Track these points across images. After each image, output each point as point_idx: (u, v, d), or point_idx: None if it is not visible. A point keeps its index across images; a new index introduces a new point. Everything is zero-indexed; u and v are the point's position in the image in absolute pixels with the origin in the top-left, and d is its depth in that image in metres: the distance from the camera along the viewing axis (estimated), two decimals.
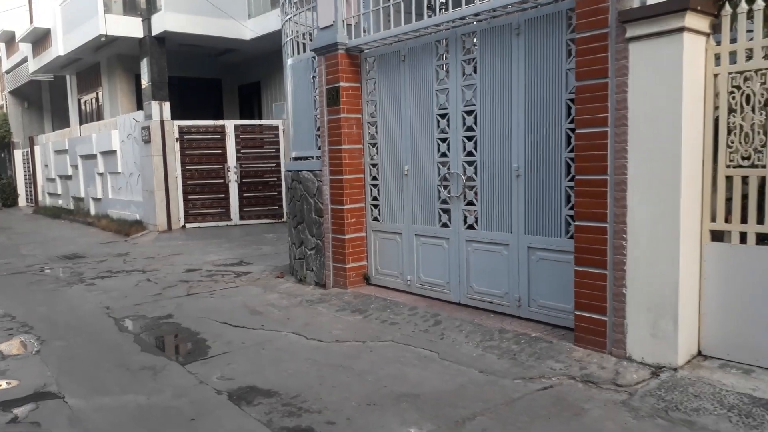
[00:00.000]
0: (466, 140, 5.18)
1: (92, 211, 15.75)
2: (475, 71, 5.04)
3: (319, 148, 6.68)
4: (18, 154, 22.64)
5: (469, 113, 5.13)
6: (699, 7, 3.39)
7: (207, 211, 12.53)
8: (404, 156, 5.84)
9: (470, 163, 5.16)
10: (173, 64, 13.94)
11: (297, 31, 7.21)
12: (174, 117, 12.84)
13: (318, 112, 6.63)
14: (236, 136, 12.59)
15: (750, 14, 3.40)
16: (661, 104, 3.50)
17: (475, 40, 5.02)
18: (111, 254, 9.93)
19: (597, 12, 3.81)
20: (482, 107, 4.99)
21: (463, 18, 4.94)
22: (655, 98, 3.53)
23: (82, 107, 18.42)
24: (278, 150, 12.88)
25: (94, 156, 15.21)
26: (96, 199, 15.61)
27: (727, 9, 3.47)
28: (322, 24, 6.29)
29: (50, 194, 19.56)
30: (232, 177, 12.59)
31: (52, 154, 18.62)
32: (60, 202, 18.61)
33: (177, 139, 12.24)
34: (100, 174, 15.11)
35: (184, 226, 12.38)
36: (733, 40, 3.49)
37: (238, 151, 12.61)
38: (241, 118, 16.97)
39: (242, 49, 15.00)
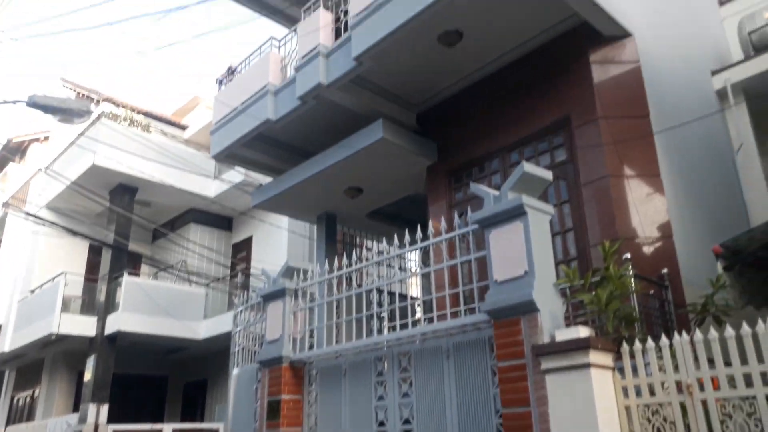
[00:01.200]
0: None
1: None
2: (411, 387, 5.22)
3: None
4: None
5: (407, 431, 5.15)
6: (600, 346, 3.81)
7: None
8: None
9: None
10: (120, 361, 13.82)
11: (243, 344, 7.49)
12: (112, 418, 12.23)
13: (257, 424, 6.51)
14: None
15: (645, 352, 3.82)
16: None
17: (410, 359, 5.31)
18: None
19: (513, 344, 4.20)
20: (419, 426, 5.04)
21: (398, 339, 5.31)
22: (575, 429, 3.70)
23: (14, 404, 17.40)
24: None
25: None
26: None
27: (625, 347, 3.90)
28: (269, 338, 6.59)
29: None
30: None
31: None
32: None
33: None
34: None
35: None
36: (638, 374, 3.84)
37: None
38: (183, 417, 16.23)
39: (193, 348, 15.13)
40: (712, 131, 7.73)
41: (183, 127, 18.98)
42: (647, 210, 6.08)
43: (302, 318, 6.57)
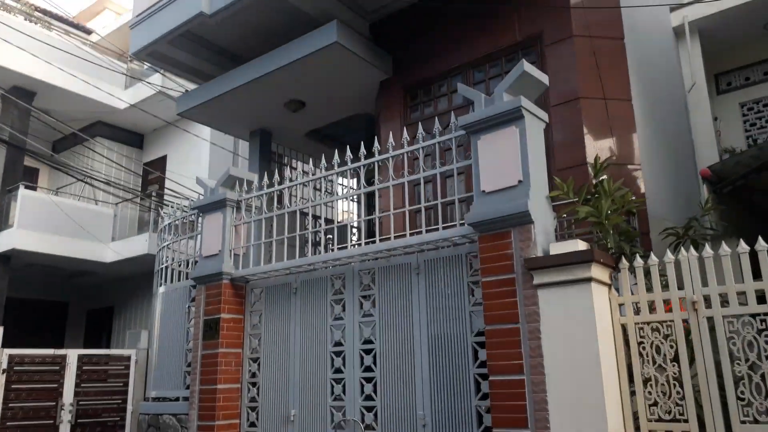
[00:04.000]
0: (364, 382, 4.75)
1: None
2: (374, 306, 4.84)
3: (188, 387, 5.85)
4: None
5: (367, 352, 4.79)
6: (601, 260, 3.56)
7: None
8: (291, 398, 5.21)
9: (369, 409, 4.67)
10: (15, 283, 12.53)
11: (173, 259, 6.78)
12: (7, 343, 11.08)
13: (191, 345, 5.95)
14: (78, 368, 10.97)
15: (646, 268, 3.61)
16: (578, 353, 3.43)
17: (373, 276, 4.90)
18: None
19: (502, 258, 3.88)
20: (382, 346, 4.69)
21: (363, 255, 4.87)
22: (571, 347, 3.46)
23: None
24: (126, 384, 11.31)
25: None
26: None
27: (624, 262, 3.68)
28: (206, 253, 5.96)
29: None
30: (65, 417, 10.66)
31: None
32: None
33: (4, 370, 10.40)
34: None
35: None
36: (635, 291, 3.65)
37: (77, 385, 10.89)
38: (86, 345, 15.16)
39: (98, 272, 13.99)
40: (669, 68, 7.67)
41: (88, 31, 16.98)
42: (617, 135, 5.89)
43: (245, 232, 5.98)
